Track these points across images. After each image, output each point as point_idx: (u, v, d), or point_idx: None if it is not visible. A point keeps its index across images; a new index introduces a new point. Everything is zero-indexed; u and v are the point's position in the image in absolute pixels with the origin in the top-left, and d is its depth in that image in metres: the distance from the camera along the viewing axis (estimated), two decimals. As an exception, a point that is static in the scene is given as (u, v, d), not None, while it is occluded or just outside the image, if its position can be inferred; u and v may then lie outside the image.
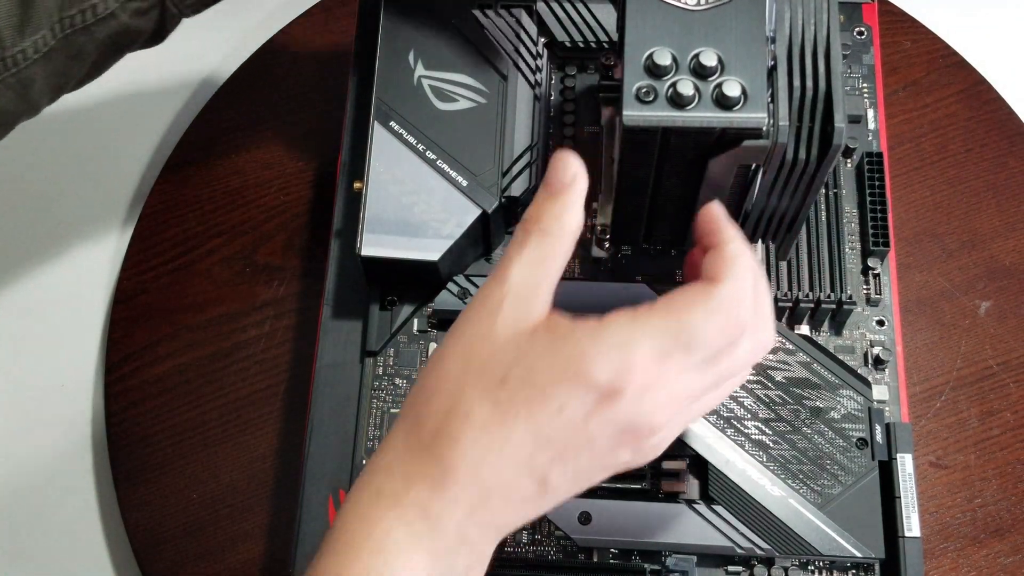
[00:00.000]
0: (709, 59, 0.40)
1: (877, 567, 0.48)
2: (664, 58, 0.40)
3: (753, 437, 0.49)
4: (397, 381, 0.52)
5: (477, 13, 0.55)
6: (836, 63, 0.40)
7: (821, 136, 0.40)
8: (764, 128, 0.40)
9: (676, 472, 0.49)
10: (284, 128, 0.63)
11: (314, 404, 0.51)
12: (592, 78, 0.56)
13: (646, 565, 0.47)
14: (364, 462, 0.50)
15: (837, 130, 0.39)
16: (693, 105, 0.40)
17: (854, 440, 0.48)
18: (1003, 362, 0.57)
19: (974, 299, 0.59)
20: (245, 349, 0.58)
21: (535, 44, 0.55)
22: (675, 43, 0.41)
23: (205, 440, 0.56)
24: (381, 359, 0.52)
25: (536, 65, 0.54)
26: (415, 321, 0.53)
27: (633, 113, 0.40)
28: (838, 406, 0.49)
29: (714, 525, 0.47)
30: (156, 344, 0.59)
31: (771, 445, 0.49)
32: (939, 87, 0.63)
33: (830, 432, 0.49)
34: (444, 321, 0.52)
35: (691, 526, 0.47)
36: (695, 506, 0.48)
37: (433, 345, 0.52)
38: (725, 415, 0.49)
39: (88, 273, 0.63)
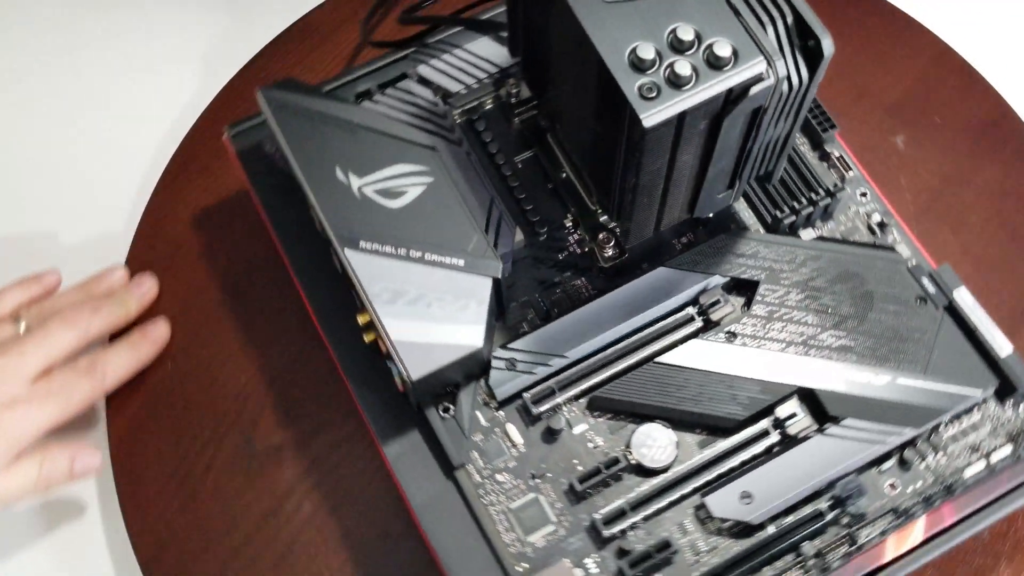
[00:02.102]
0: (686, 33, 0.40)
1: (992, 397, 0.50)
2: (647, 51, 0.40)
3: (834, 345, 0.50)
4: (499, 477, 0.50)
5: (368, 104, 0.53)
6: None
7: (807, 53, 0.42)
8: (764, 71, 0.41)
9: (792, 415, 0.49)
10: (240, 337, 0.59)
11: (436, 546, 0.48)
12: (500, 111, 0.56)
13: (821, 507, 0.48)
14: (517, 568, 0.48)
15: (825, 43, 0.41)
16: (695, 80, 0.40)
17: (914, 301, 0.51)
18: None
19: (893, 136, 0.63)
20: (298, 543, 0.54)
21: (435, 106, 0.53)
22: (645, 33, 0.41)
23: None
24: (470, 466, 0.50)
25: (447, 124, 0.53)
26: (479, 415, 0.51)
27: (649, 113, 0.40)
28: (882, 280, 0.51)
29: (854, 438, 0.48)
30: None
31: (852, 344, 0.50)
32: None
33: (890, 305, 0.51)
34: (507, 400, 0.51)
35: (838, 450, 0.48)
36: (828, 432, 0.49)
37: (510, 427, 0.50)
38: (799, 341, 0.50)
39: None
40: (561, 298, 0.53)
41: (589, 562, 0.48)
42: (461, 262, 0.49)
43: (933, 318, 0.51)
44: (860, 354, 0.50)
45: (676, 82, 0.40)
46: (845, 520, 0.48)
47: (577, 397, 0.51)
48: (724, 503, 0.48)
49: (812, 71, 0.42)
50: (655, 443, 0.49)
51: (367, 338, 0.50)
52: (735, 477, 0.49)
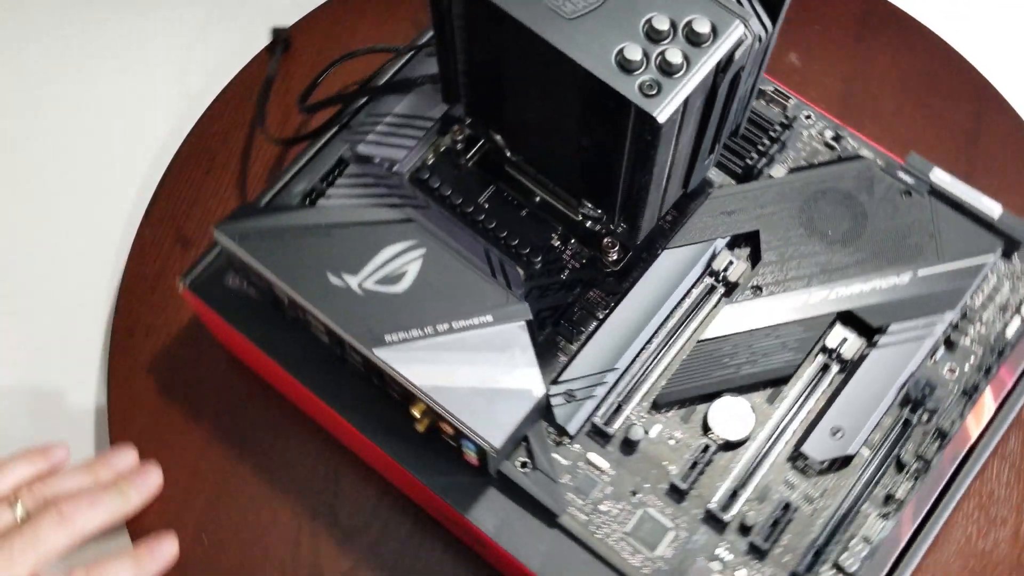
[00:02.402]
0: (661, 23, 0.41)
1: (1000, 258, 0.53)
2: (634, 51, 0.40)
3: (850, 263, 0.52)
4: (602, 508, 0.49)
5: (324, 202, 0.51)
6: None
7: (765, 1, 0.43)
8: (744, 32, 0.41)
9: (842, 340, 0.51)
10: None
11: (571, 595, 0.47)
12: (445, 160, 0.55)
13: (903, 414, 0.50)
14: (659, 585, 0.47)
15: (784, -14, 0.42)
16: (687, 64, 0.41)
17: (900, 196, 0.53)
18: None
19: (786, 56, 0.66)
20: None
21: (388, 177, 0.52)
22: (623, 35, 0.41)
23: None
24: (570, 508, 0.49)
25: (408, 192, 0.52)
26: (556, 456, 0.50)
27: (660, 108, 0.40)
28: (864, 188, 0.53)
29: (905, 340, 0.50)
30: None
31: (865, 256, 0.52)
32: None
33: (882, 208, 0.53)
34: (578, 431, 0.50)
35: (895, 356, 0.50)
36: (880, 343, 0.50)
37: (592, 456, 0.50)
38: (818, 271, 0.52)
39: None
40: (583, 315, 0.52)
41: (720, 551, 0.48)
42: (489, 318, 0.48)
43: (923, 206, 0.53)
44: (876, 262, 0.52)
45: (670, 71, 0.40)
46: (927, 417, 0.50)
47: (641, 401, 0.50)
48: (820, 445, 0.49)
49: (774, 18, 0.43)
50: (731, 416, 0.50)
51: (420, 427, 0.49)
52: (818, 418, 0.50)
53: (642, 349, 0.51)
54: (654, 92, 0.40)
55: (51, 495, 0.51)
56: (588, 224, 0.53)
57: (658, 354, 0.51)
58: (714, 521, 0.48)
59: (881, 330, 0.51)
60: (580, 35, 0.41)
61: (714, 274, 0.52)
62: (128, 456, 0.54)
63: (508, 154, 0.53)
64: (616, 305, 0.52)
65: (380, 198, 0.52)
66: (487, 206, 0.54)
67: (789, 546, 0.48)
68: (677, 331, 0.51)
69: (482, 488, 0.49)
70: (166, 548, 0.53)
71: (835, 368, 0.51)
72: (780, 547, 0.48)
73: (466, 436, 0.46)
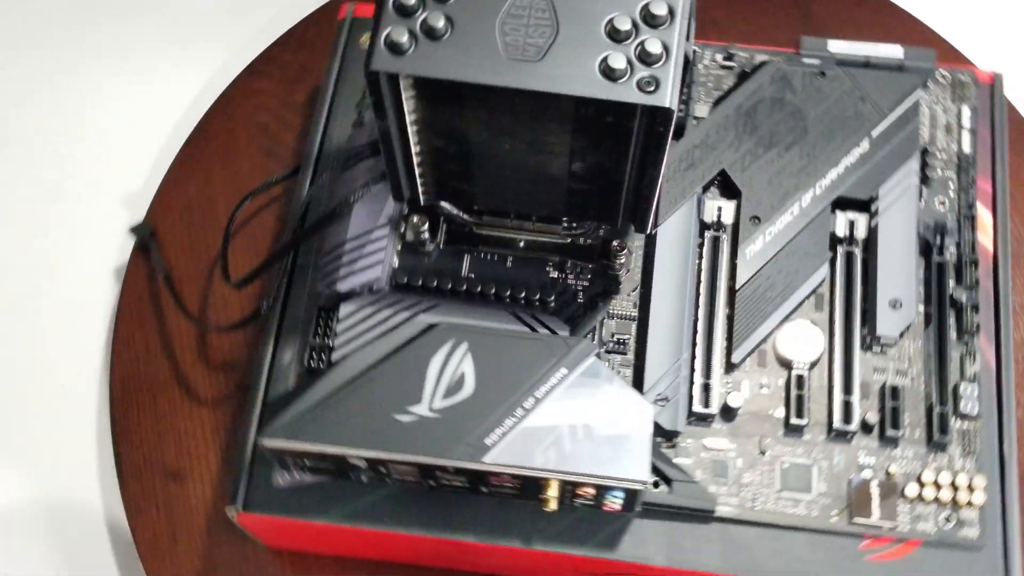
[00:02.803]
0: (623, 23, 0.40)
1: (922, 89, 0.56)
2: (618, 59, 0.40)
3: (814, 157, 0.54)
4: (744, 481, 0.49)
5: (338, 354, 0.49)
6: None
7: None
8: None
9: (849, 223, 0.53)
10: None
11: None
12: (409, 254, 0.53)
13: (929, 258, 0.52)
14: (832, 519, 0.48)
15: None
16: (666, 48, 0.41)
17: (818, 80, 0.55)
18: None
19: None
20: None
21: (381, 300, 0.50)
22: (595, 49, 0.40)
23: None
24: (719, 499, 0.49)
25: (409, 302, 0.50)
26: (680, 460, 0.49)
27: (668, 98, 0.40)
28: (783, 88, 0.55)
29: (897, 195, 0.53)
30: None
31: (823, 143, 0.54)
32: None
33: (810, 99, 0.55)
34: (691, 424, 0.50)
35: (897, 213, 0.53)
36: (879, 211, 0.53)
37: (707, 441, 0.50)
38: (793, 178, 0.53)
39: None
40: (620, 325, 0.52)
41: (861, 458, 0.49)
42: (563, 370, 0.47)
43: (840, 78, 0.56)
44: (835, 144, 0.54)
45: (655, 61, 0.40)
46: (951, 251, 0.53)
47: (719, 370, 0.51)
48: (889, 322, 0.51)
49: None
50: (798, 340, 0.51)
51: (552, 505, 0.47)
52: (870, 301, 0.51)
53: (695, 323, 0.51)
54: (653, 87, 0.40)
55: None
56: (570, 240, 0.53)
57: (709, 321, 0.51)
58: (842, 437, 0.50)
59: (873, 199, 0.53)
60: (558, 70, 0.40)
61: (710, 226, 0.53)
62: None
63: (467, 217, 0.52)
64: (647, 299, 0.52)
65: (388, 321, 0.49)
66: (473, 276, 0.53)
67: (913, 422, 0.50)
68: (712, 292, 0.52)
69: (630, 527, 0.49)
70: None
71: (858, 251, 0.53)
72: (907, 427, 0.50)
73: (611, 488, 0.45)
